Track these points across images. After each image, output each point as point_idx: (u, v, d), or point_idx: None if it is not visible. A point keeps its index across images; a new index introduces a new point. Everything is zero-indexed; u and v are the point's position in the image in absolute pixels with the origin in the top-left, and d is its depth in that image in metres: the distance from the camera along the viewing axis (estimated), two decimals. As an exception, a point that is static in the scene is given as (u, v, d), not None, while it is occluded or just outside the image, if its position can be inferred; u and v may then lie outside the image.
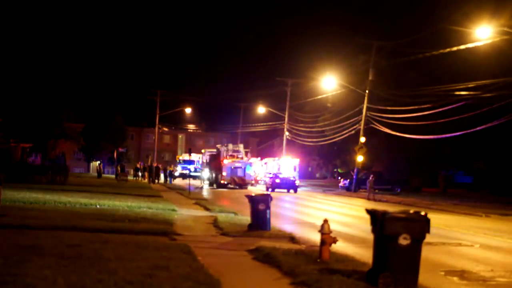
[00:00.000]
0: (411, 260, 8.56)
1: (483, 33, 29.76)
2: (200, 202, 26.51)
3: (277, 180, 45.13)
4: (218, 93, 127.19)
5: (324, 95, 54.29)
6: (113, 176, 56.19)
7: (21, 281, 7.63)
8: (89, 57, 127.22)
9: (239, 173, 45.85)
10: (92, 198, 24.04)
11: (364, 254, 11.42)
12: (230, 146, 49.72)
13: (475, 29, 30.07)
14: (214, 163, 48.98)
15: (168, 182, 52.36)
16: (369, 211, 9.09)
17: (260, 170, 53.43)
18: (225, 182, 45.52)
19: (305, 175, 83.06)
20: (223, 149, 48.49)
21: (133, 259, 9.72)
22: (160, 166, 57.58)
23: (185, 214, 20.44)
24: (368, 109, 45.17)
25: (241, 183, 45.43)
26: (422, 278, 8.83)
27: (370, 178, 37.93)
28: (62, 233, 12.80)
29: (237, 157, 47.11)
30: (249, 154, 51.14)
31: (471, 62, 37.78)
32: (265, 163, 54.16)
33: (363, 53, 48.84)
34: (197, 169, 60.25)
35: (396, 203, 32.84)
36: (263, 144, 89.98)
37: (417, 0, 58.84)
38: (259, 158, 58.99)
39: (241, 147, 49.77)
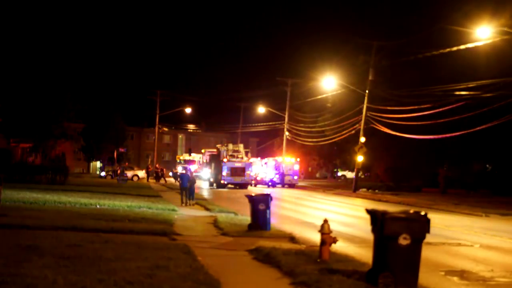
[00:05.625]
0: (411, 260, 8.56)
1: (483, 33, 29.72)
2: (200, 202, 26.52)
3: (276, 179, 46.09)
4: (218, 93, 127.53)
5: (324, 95, 54.26)
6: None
7: (21, 281, 7.63)
8: (89, 57, 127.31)
9: (239, 173, 45.93)
10: (92, 198, 24.07)
11: (364, 254, 11.43)
12: (230, 146, 49.78)
13: (475, 29, 30.03)
14: (214, 163, 49.06)
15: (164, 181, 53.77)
16: (369, 211, 9.10)
17: (260, 170, 53.58)
18: (225, 182, 45.59)
19: (305, 175, 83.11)
20: (223, 149, 48.54)
21: (133, 259, 9.72)
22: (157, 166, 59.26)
23: (185, 214, 20.46)
24: (368, 109, 45.14)
25: (241, 183, 45.51)
26: (422, 278, 8.83)
27: None
28: (62, 233, 12.81)
29: (237, 157, 47.19)
30: (249, 154, 51.23)
31: (471, 62, 37.73)
32: (265, 163, 54.32)
33: (363, 53, 48.80)
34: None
35: (396, 203, 32.82)
36: (263, 144, 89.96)
37: (417, 0, 58.83)
38: (259, 158, 59.05)
39: (241, 147, 49.81)
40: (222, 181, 45.48)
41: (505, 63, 35.59)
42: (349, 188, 48.26)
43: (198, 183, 53.30)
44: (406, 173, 52.89)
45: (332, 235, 10.62)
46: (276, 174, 51.81)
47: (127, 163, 68.37)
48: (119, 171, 54.28)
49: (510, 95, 30.77)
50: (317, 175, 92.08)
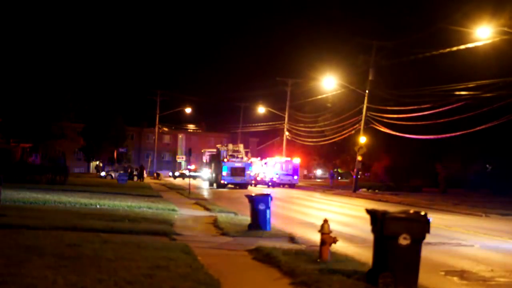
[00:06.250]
0: (411, 260, 8.56)
1: (483, 33, 29.74)
2: (200, 202, 26.52)
3: (276, 179, 46.64)
4: (218, 93, 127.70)
5: (324, 95, 54.32)
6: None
7: (21, 281, 7.62)
8: (89, 57, 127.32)
9: (239, 173, 45.91)
10: (92, 198, 24.05)
11: (364, 254, 11.43)
12: (230, 146, 49.77)
13: (475, 29, 30.05)
14: (214, 163, 49.09)
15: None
16: (369, 211, 9.09)
17: (260, 170, 53.73)
18: (225, 182, 45.59)
19: (306, 175, 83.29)
20: (223, 149, 48.56)
21: (133, 259, 9.71)
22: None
23: (185, 214, 20.45)
24: (368, 109, 45.15)
25: (241, 183, 45.53)
26: (422, 278, 8.83)
27: None
28: (62, 233, 12.79)
29: (237, 157, 47.21)
30: (249, 154, 51.30)
31: (471, 62, 37.73)
32: (265, 163, 54.44)
33: (363, 53, 48.80)
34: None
35: (396, 203, 32.83)
36: (263, 144, 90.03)
37: (417, 0, 58.82)
38: (259, 158, 59.17)
39: (241, 147, 49.82)
40: (222, 181, 45.49)
41: (505, 63, 35.58)
42: (349, 188, 48.29)
43: (198, 183, 53.65)
44: (406, 173, 52.93)
45: (332, 235, 10.61)
46: (276, 174, 52.04)
47: (132, 165, 68.81)
48: (119, 171, 54.46)
49: (510, 95, 30.78)
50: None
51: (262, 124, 73.64)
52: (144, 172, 59.72)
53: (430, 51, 37.05)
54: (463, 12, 37.12)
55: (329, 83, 49.26)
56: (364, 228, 16.08)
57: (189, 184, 36.52)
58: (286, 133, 64.40)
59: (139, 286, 7.83)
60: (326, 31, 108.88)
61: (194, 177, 59.78)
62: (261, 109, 72.76)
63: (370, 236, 9.13)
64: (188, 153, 38.81)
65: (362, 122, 45.60)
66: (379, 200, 35.63)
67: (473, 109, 33.67)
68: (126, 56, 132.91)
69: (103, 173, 61.49)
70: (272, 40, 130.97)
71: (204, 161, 57.31)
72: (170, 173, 73.41)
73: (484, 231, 19.09)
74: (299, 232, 16.06)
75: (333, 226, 11.10)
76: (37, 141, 54.26)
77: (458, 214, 27.18)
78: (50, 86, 53.79)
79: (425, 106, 37.49)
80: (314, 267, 9.72)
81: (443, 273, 10.77)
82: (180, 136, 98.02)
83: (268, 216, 15.49)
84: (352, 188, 46.05)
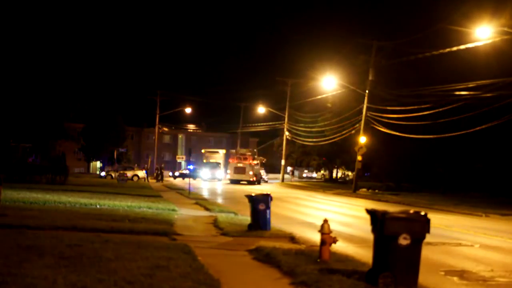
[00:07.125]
0: (411, 260, 8.56)
1: (483, 33, 29.73)
2: (200, 202, 26.52)
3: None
4: (218, 93, 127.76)
5: (324, 95, 54.32)
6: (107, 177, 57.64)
7: (21, 281, 7.62)
8: (89, 57, 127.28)
9: (243, 172, 52.28)
10: (92, 198, 24.05)
11: (364, 254, 11.43)
12: (242, 150, 56.66)
13: (475, 29, 30.04)
14: (216, 162, 53.87)
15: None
16: (369, 211, 9.09)
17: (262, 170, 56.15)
18: (234, 179, 52.13)
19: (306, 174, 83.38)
20: (233, 152, 54.41)
21: (133, 259, 9.71)
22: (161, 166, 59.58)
23: (185, 214, 20.45)
24: (368, 109, 45.13)
25: (252, 180, 51.74)
26: (422, 278, 8.83)
27: None
28: (62, 233, 12.79)
29: (242, 158, 53.88)
30: (255, 156, 55.80)
31: (471, 62, 37.71)
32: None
33: (363, 53, 48.80)
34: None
35: (396, 203, 32.82)
36: (263, 144, 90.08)
37: (417, 0, 58.85)
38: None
39: (249, 150, 55.46)
40: (225, 179, 50.32)
41: (505, 63, 35.56)
42: (349, 188, 48.27)
43: (198, 183, 53.94)
44: (406, 173, 52.86)
45: (332, 235, 10.61)
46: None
47: (135, 164, 68.79)
48: (119, 172, 54.37)
49: (510, 95, 30.77)
50: (317, 175, 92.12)
51: (262, 124, 73.67)
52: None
53: (430, 51, 37.02)
54: (463, 12, 37.17)
55: (329, 83, 49.24)
56: (364, 228, 16.09)
57: (189, 184, 36.53)
58: (286, 133, 64.39)
59: (139, 286, 7.83)
60: (326, 31, 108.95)
61: (194, 177, 59.92)
62: (261, 109, 72.77)
63: (370, 236, 9.13)
64: (188, 153, 39.14)
65: (362, 122, 45.56)
66: (379, 200, 35.63)
67: (473, 109, 33.66)
68: (126, 57, 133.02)
69: (103, 173, 61.45)
70: (272, 40, 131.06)
71: (204, 161, 57.93)
72: (170, 173, 73.36)
73: (484, 231, 19.09)
74: (299, 232, 16.06)
75: (333, 226, 11.10)
76: (37, 141, 54.31)
77: (458, 214, 27.18)
78: (50, 87, 53.87)
79: (425, 106, 37.47)
80: (314, 267, 9.72)
81: (443, 273, 10.77)
82: (180, 136, 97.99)
83: (268, 216, 15.49)
84: (352, 188, 46.03)
